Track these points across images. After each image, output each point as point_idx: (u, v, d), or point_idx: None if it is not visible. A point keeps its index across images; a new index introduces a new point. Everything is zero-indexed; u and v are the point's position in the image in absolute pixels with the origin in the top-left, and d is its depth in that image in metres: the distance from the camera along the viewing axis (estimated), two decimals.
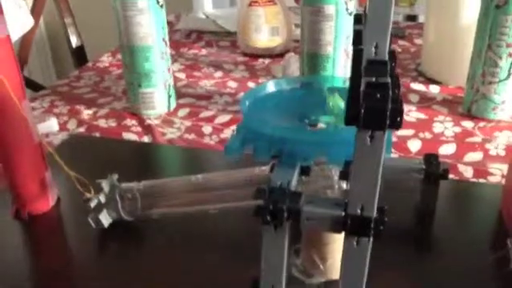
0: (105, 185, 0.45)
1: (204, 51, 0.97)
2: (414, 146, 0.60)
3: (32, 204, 0.48)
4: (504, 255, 0.40)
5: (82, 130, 0.68)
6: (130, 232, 0.46)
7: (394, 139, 0.60)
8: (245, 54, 0.93)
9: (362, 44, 0.26)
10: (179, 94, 0.76)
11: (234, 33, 0.98)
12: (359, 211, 0.27)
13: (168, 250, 0.44)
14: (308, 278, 0.35)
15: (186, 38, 1.04)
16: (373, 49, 0.24)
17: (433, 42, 0.78)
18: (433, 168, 0.45)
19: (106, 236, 0.46)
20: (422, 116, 0.68)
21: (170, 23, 1.00)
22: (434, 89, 0.75)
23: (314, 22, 0.60)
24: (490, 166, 0.55)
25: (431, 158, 0.45)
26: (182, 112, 0.71)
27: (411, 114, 0.68)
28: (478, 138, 0.61)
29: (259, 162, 0.41)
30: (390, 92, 0.23)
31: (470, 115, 0.66)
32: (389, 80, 0.24)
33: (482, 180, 0.53)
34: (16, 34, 1.05)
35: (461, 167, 0.55)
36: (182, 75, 0.85)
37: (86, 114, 0.72)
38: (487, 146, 0.60)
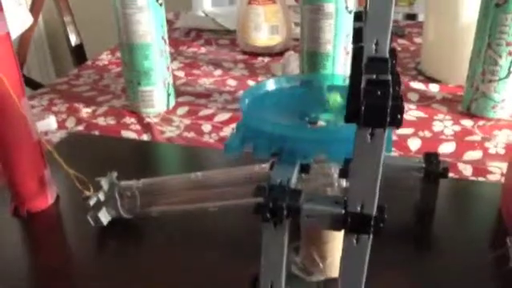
0: (104, 183, 0.45)
1: (203, 49, 0.97)
2: (414, 144, 0.60)
3: (31, 202, 0.48)
4: (503, 253, 0.40)
5: (80, 128, 0.68)
6: (129, 230, 0.46)
7: (393, 138, 0.60)
8: (244, 53, 0.93)
9: (362, 42, 0.26)
10: (178, 92, 0.76)
11: (234, 31, 0.98)
12: (359, 209, 0.27)
13: (167, 247, 0.44)
14: (307, 276, 0.35)
15: (186, 36, 1.04)
16: (373, 46, 0.24)
17: (432, 40, 0.78)
18: (432, 166, 0.45)
19: (105, 234, 0.45)
20: (421, 115, 0.68)
21: (169, 21, 1.00)
22: (434, 87, 0.75)
23: (314, 20, 0.60)
24: (490, 165, 0.55)
25: (431, 157, 0.45)
26: (182, 110, 0.71)
27: (411, 112, 0.68)
28: (477, 137, 0.61)
29: (259, 160, 0.41)
30: (391, 89, 0.23)
31: (469, 114, 0.66)
32: (389, 77, 0.24)
33: (481, 178, 0.53)
34: (15, 32, 1.04)
35: (460, 166, 0.55)
36: (181, 73, 0.85)
37: (85, 112, 0.72)
38: (487, 144, 0.60)
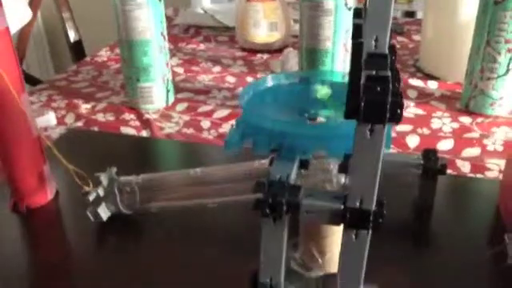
0: (103, 178, 0.45)
1: (202, 46, 0.96)
2: (412, 141, 0.60)
3: (30, 197, 0.48)
4: (501, 250, 0.40)
5: (80, 124, 0.68)
6: (129, 225, 0.46)
7: (392, 135, 0.60)
8: (243, 49, 0.93)
9: (361, 38, 0.26)
10: (177, 89, 0.76)
11: (233, 28, 0.98)
12: (358, 204, 0.27)
13: (167, 243, 0.44)
14: (307, 272, 0.35)
15: (185, 32, 1.04)
16: (373, 42, 0.24)
17: (431, 37, 0.78)
18: (431, 163, 0.45)
19: (104, 229, 0.46)
20: (420, 112, 0.68)
21: (168, 18, 1.00)
22: (432, 84, 0.76)
23: (313, 17, 0.60)
24: (488, 162, 0.56)
25: (430, 154, 0.45)
26: (181, 106, 0.71)
27: (409, 109, 0.68)
28: (475, 134, 0.61)
29: (258, 156, 0.41)
30: (391, 85, 0.23)
31: (467, 111, 0.66)
32: (389, 73, 0.24)
33: (479, 175, 0.54)
34: (15, 27, 1.04)
35: (459, 162, 0.56)
36: (180, 70, 0.85)
37: (84, 108, 0.72)
38: (485, 141, 0.60)
